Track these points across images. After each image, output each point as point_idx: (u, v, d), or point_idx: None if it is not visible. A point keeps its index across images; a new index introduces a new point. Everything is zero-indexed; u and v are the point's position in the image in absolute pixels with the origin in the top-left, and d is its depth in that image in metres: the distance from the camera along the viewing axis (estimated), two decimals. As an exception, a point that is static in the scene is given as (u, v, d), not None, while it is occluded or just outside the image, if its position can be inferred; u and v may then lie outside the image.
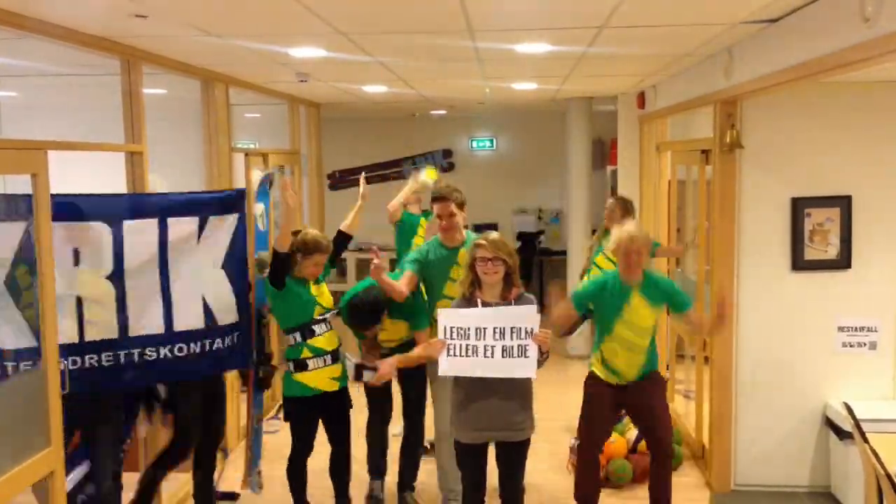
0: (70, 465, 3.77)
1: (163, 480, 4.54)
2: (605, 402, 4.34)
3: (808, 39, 3.50)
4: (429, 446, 5.19)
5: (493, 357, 3.66)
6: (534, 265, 10.95)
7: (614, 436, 5.32)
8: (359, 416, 4.81)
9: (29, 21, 3.54)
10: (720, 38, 4.41)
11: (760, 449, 5.07)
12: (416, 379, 4.73)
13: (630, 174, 7.93)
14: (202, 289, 4.25)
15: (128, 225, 4.02)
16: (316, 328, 4.37)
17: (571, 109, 8.87)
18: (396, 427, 5.07)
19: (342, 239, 4.78)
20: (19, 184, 3.41)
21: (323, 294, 4.45)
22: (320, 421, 4.52)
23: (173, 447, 4.49)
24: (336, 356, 4.42)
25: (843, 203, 4.88)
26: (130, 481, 5.05)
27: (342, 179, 11.80)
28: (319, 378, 4.37)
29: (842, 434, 4.72)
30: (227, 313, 4.34)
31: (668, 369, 6.91)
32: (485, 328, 3.66)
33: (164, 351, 4.12)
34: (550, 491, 5.18)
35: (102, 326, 3.94)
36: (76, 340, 3.86)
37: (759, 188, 4.94)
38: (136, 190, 4.59)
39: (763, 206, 4.95)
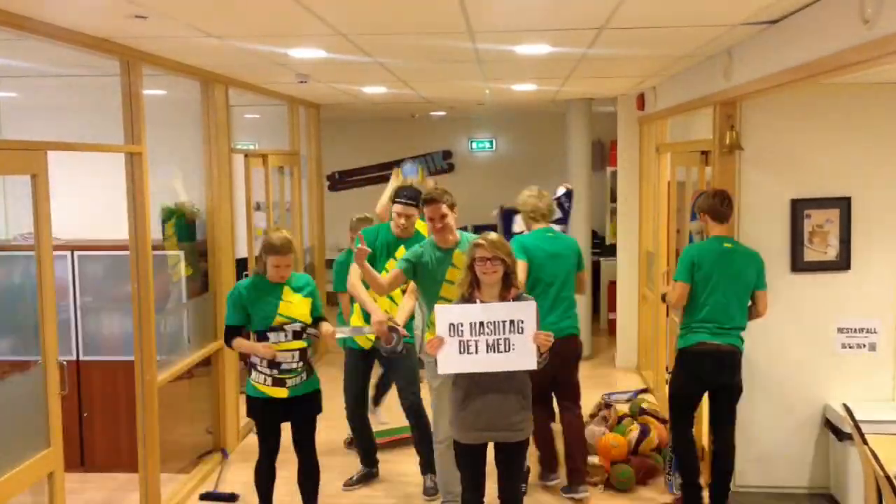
0: None
1: None
2: None
3: (808, 41, 3.50)
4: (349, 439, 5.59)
5: (490, 352, 3.66)
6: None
7: (616, 438, 5.33)
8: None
9: (29, 22, 3.54)
10: (720, 40, 4.41)
11: (760, 450, 5.07)
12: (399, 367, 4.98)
13: (630, 175, 7.94)
14: None
15: None
16: (270, 335, 4.19)
17: (571, 111, 8.87)
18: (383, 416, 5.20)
19: None
20: (19, 184, 3.41)
21: (293, 304, 4.23)
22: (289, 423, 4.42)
23: None
24: (289, 370, 4.22)
25: (843, 204, 4.89)
26: (130, 481, 5.07)
27: (342, 180, 11.80)
28: (264, 385, 4.26)
29: (841, 435, 4.72)
30: None
31: (667, 371, 6.91)
32: (481, 322, 3.66)
33: None
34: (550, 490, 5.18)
35: None
36: None
37: (758, 189, 4.94)
38: (134, 191, 4.59)
39: (763, 208, 4.95)
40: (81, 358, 5.59)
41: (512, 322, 3.64)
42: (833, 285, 4.94)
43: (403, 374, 5.09)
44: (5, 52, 4.52)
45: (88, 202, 6.03)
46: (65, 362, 3.81)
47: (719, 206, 4.63)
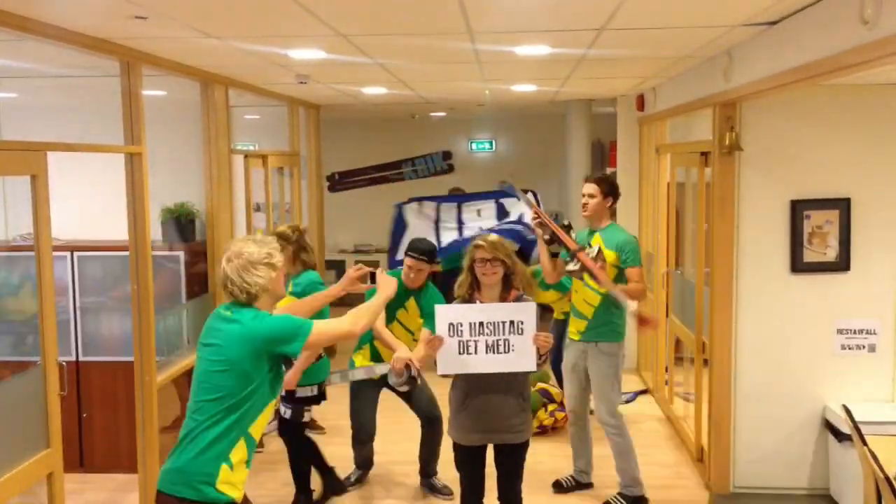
0: None
1: None
2: None
3: (808, 42, 3.50)
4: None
5: (489, 353, 3.65)
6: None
7: None
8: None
9: (29, 23, 3.54)
10: (720, 41, 4.41)
11: (759, 451, 5.07)
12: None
13: (629, 176, 7.93)
14: None
15: None
16: None
17: (571, 111, 8.87)
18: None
19: None
20: (19, 184, 3.42)
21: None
22: None
23: None
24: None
25: (842, 205, 4.88)
26: (130, 482, 5.06)
27: (341, 181, 11.80)
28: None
29: (841, 436, 4.71)
30: None
31: (666, 371, 6.91)
32: (481, 323, 3.66)
33: None
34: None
35: None
36: None
37: (758, 190, 4.94)
38: (133, 191, 4.59)
39: (762, 209, 4.95)
40: (81, 358, 5.59)
41: (512, 323, 3.64)
42: (832, 286, 4.94)
43: (425, 402, 5.00)
44: (5, 53, 4.52)
45: (88, 203, 6.03)
46: (64, 363, 3.81)
47: None
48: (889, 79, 4.59)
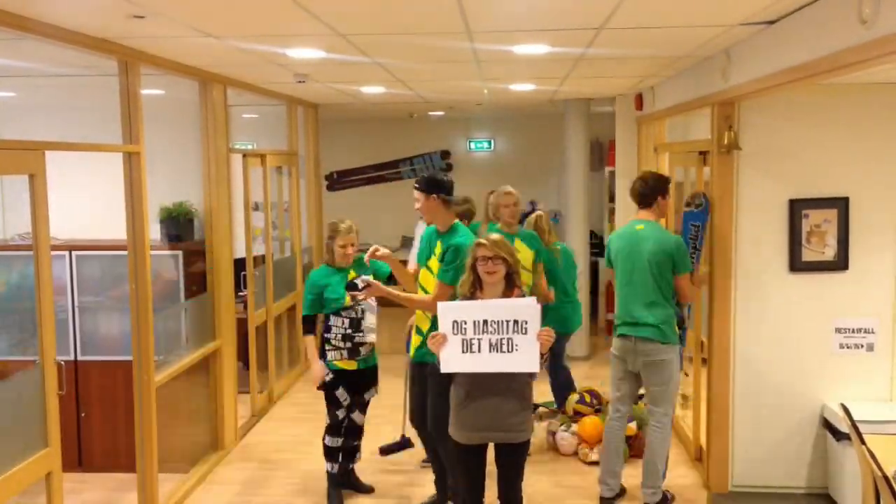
0: None
1: None
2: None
3: (806, 41, 3.50)
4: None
5: (493, 352, 3.65)
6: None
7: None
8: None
9: (27, 22, 3.53)
10: (718, 40, 4.42)
11: (758, 450, 5.07)
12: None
13: (628, 176, 7.91)
14: None
15: None
16: (343, 313, 4.87)
17: (569, 111, 8.87)
18: None
19: None
20: (17, 184, 3.41)
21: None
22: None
23: None
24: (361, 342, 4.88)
25: (841, 204, 4.89)
26: (128, 481, 5.06)
27: (340, 180, 11.80)
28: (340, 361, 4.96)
29: (839, 435, 4.72)
30: None
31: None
32: (485, 321, 3.65)
33: None
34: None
35: None
36: None
37: (756, 190, 4.95)
38: (132, 190, 4.58)
39: (760, 208, 4.95)
40: (79, 358, 5.60)
41: (516, 322, 3.64)
42: (831, 285, 4.94)
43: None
44: (4, 52, 4.51)
45: (87, 202, 6.03)
46: (63, 362, 3.81)
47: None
48: (887, 78, 4.60)
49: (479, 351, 3.66)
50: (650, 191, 4.87)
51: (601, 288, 9.70)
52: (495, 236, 3.82)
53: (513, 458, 3.89)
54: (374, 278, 4.50)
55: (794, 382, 5.00)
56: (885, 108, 4.87)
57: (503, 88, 7.33)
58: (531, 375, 3.81)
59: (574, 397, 6.15)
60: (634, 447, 5.53)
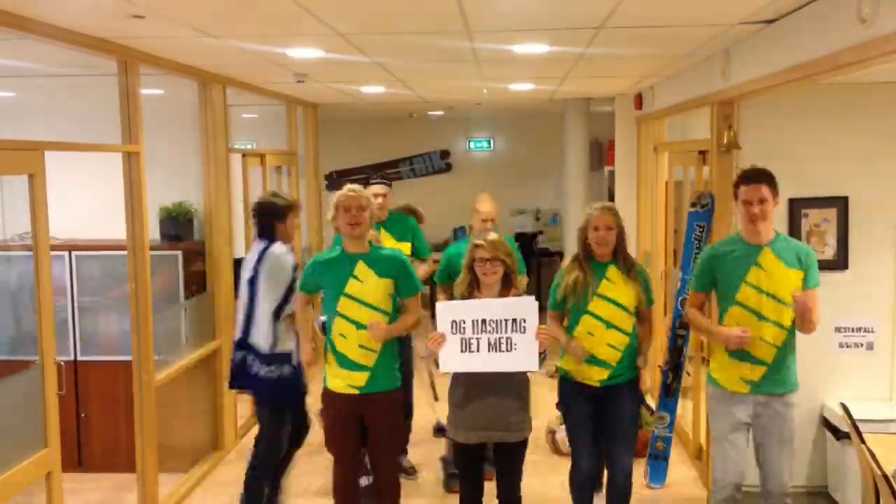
0: None
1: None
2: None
3: (806, 40, 3.50)
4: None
5: (492, 352, 3.65)
6: (531, 265, 10.96)
7: None
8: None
9: (27, 22, 3.53)
10: (718, 40, 4.41)
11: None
12: None
13: (627, 175, 7.94)
14: None
15: None
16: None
17: (569, 110, 8.87)
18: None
19: None
20: (17, 183, 3.41)
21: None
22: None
23: None
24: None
25: (840, 204, 4.89)
26: (128, 481, 5.06)
27: (339, 180, 11.80)
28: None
29: (839, 434, 4.72)
30: None
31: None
32: (483, 320, 3.65)
33: None
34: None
35: None
36: None
37: (756, 189, 4.94)
38: (131, 190, 4.58)
39: (760, 207, 4.94)
40: (79, 358, 5.59)
41: (514, 321, 3.64)
42: (830, 285, 4.92)
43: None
44: (3, 52, 4.51)
45: (86, 202, 6.03)
46: (62, 362, 3.81)
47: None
48: (887, 77, 4.60)
49: (478, 350, 3.66)
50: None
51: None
52: (493, 236, 3.83)
53: (512, 458, 3.90)
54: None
55: (794, 382, 4.99)
56: (885, 107, 4.88)
57: (502, 88, 7.33)
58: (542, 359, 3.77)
59: None
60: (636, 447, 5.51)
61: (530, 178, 11.31)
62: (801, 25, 3.58)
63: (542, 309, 3.72)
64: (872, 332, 4.93)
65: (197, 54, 4.87)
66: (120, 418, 5.43)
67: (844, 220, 4.89)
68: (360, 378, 3.92)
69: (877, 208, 4.90)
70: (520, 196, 11.41)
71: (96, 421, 5.62)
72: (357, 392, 3.93)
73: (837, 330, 4.94)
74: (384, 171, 11.77)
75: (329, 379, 4.03)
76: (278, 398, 4.44)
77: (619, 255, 3.98)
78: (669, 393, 5.24)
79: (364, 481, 4.44)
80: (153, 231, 5.56)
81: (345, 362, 3.93)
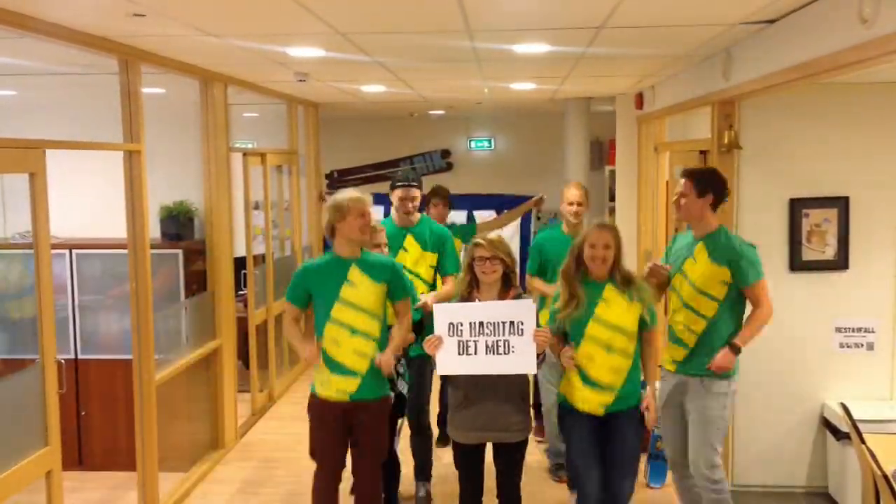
0: None
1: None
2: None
3: (807, 40, 3.50)
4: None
5: (489, 354, 3.65)
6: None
7: None
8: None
9: (28, 20, 3.53)
10: (719, 39, 4.41)
11: (758, 449, 5.07)
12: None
13: (628, 175, 7.94)
14: None
15: None
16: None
17: (570, 110, 8.87)
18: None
19: None
20: (17, 182, 3.41)
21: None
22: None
23: None
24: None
25: (841, 204, 4.89)
26: (128, 480, 5.07)
27: (340, 179, 11.80)
28: None
29: (839, 434, 4.72)
30: None
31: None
32: (481, 322, 3.65)
33: None
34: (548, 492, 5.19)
35: None
36: None
37: (757, 189, 4.94)
38: (132, 189, 4.58)
39: (761, 207, 4.95)
40: (80, 356, 5.60)
41: (512, 323, 3.63)
42: (831, 284, 4.94)
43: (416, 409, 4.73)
44: (4, 51, 4.51)
45: (87, 201, 6.04)
46: (63, 361, 3.81)
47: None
48: (888, 77, 4.60)
49: (476, 353, 3.65)
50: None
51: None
52: (493, 235, 3.83)
53: (511, 458, 3.89)
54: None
55: (795, 382, 5.00)
56: (885, 107, 4.87)
57: (503, 87, 7.33)
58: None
59: None
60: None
61: (531, 177, 11.29)
62: (802, 25, 3.58)
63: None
64: (873, 332, 4.93)
65: (198, 53, 4.87)
66: (120, 417, 5.44)
67: (845, 220, 4.89)
68: (352, 384, 3.88)
69: (877, 208, 4.90)
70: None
71: (96, 419, 5.63)
72: (347, 398, 3.89)
73: (838, 330, 4.95)
74: (385, 171, 11.79)
75: (318, 385, 3.97)
76: None
77: (617, 274, 3.75)
78: None
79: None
80: (154, 230, 5.57)
81: (337, 368, 3.89)
